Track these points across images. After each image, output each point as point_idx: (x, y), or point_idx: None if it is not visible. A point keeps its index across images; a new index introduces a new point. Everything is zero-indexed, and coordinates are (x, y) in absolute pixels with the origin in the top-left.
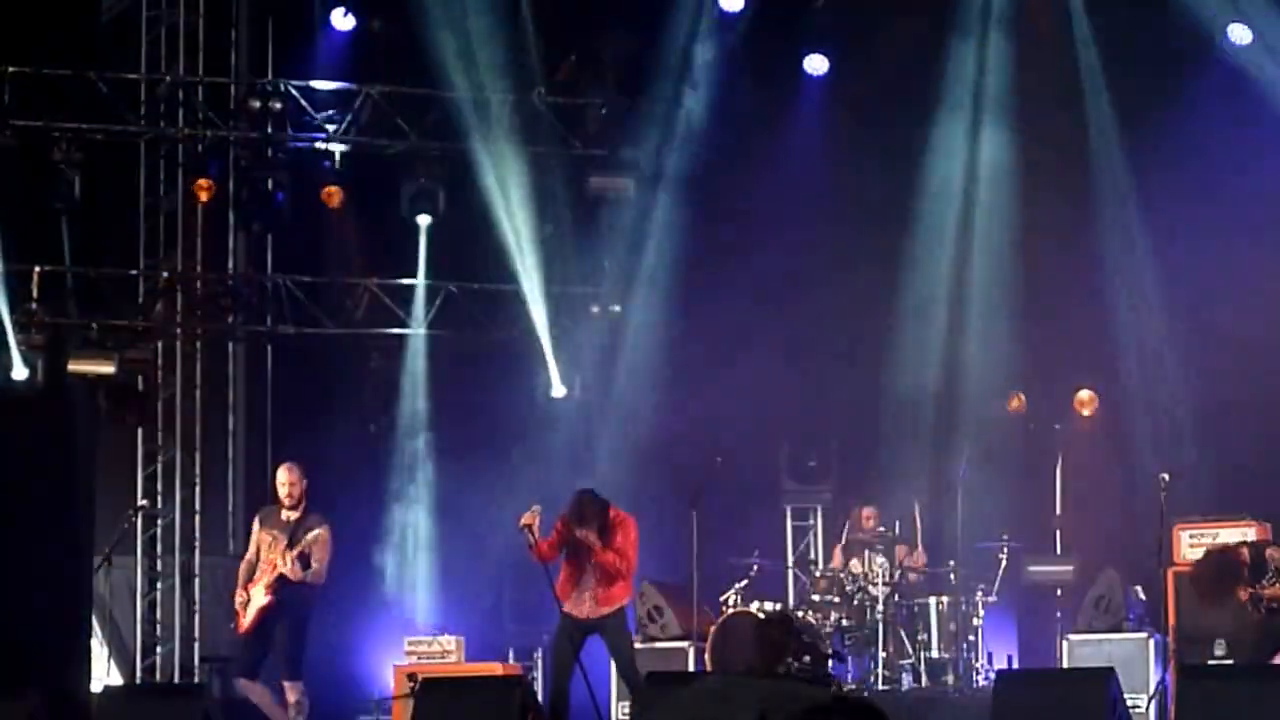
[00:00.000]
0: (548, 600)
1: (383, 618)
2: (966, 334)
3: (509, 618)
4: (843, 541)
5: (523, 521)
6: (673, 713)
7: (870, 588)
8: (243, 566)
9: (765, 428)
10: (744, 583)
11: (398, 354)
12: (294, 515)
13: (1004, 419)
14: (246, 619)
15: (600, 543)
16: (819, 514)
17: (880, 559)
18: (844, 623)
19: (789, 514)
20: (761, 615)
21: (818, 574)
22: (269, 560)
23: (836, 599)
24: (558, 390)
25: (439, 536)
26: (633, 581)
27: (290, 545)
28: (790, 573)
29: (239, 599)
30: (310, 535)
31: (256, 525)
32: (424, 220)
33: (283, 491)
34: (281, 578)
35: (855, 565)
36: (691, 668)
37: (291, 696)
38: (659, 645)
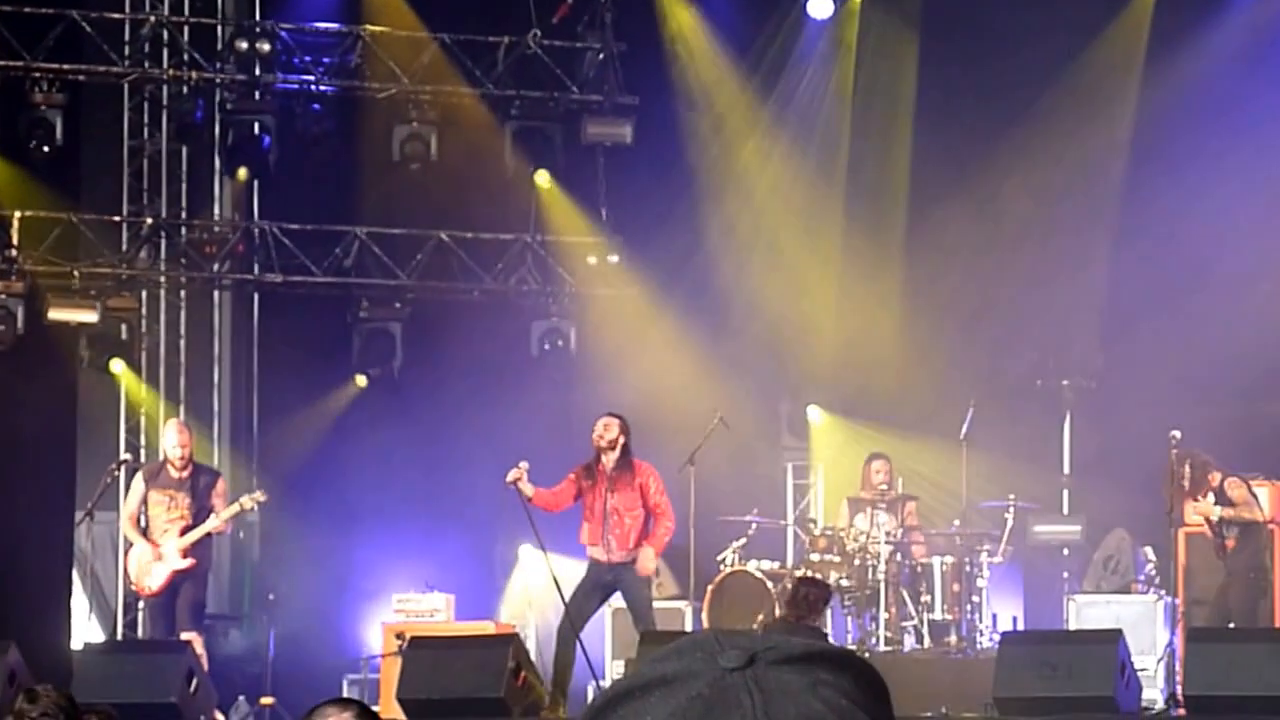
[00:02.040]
0: (550, 553)
1: (371, 574)
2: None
3: (501, 575)
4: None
5: (510, 478)
6: (662, 661)
7: (873, 547)
8: (128, 524)
9: (765, 381)
10: (741, 541)
11: (388, 304)
12: (185, 474)
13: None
14: (156, 581)
15: (642, 507)
16: (820, 472)
17: (885, 516)
18: (843, 582)
19: (789, 471)
20: (799, 576)
21: (817, 532)
22: (170, 519)
23: (836, 558)
24: (551, 342)
25: (429, 491)
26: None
27: (195, 500)
28: (790, 531)
29: (142, 557)
30: (221, 487)
31: (141, 484)
32: (413, 159)
33: (176, 453)
34: (200, 537)
35: (859, 523)
36: (689, 627)
37: (197, 648)
38: (656, 605)
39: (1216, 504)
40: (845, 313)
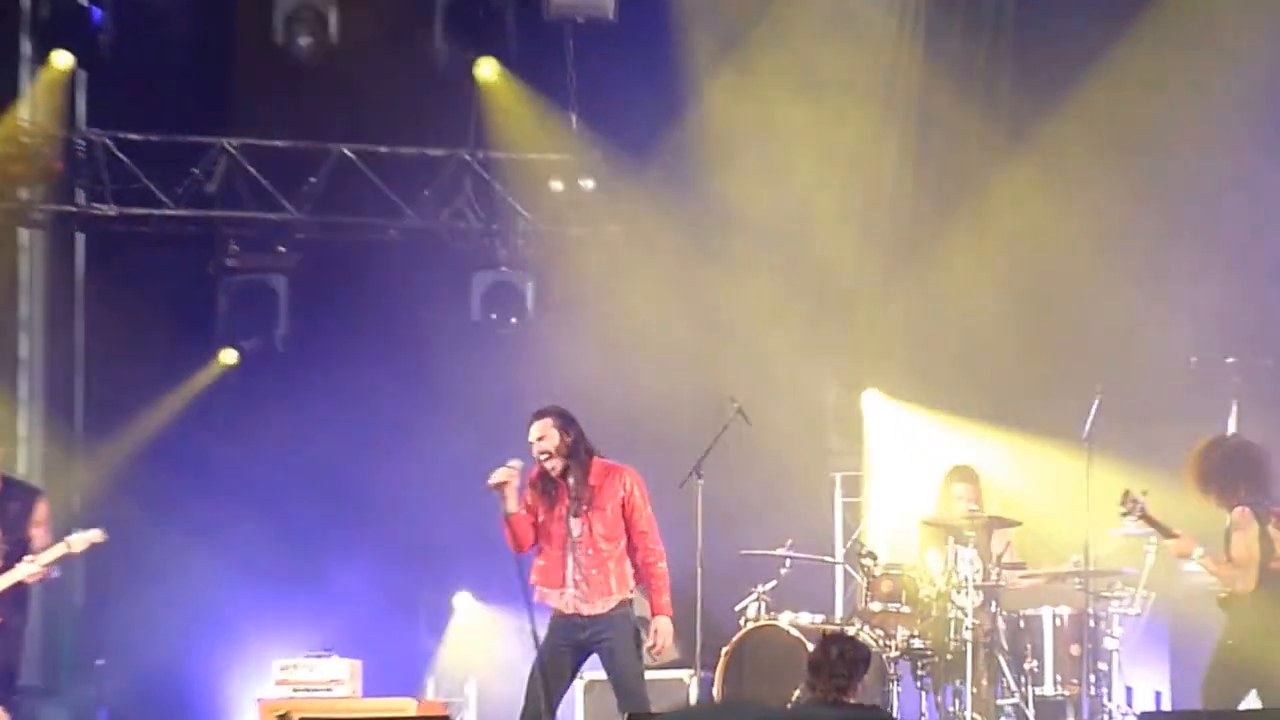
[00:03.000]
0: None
1: (244, 629)
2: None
3: (429, 633)
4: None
5: (493, 479)
6: None
7: (956, 593)
8: None
9: (805, 359)
10: (770, 585)
11: (268, 248)
12: None
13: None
14: None
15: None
16: (880, 487)
17: (972, 550)
18: (915, 643)
19: (838, 485)
20: (827, 631)
21: (878, 572)
22: None
23: (905, 608)
24: (500, 302)
25: (327, 513)
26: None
27: (9, 531)
28: (839, 570)
29: None
30: (41, 513)
31: None
32: (305, 47)
33: None
34: (10, 586)
35: (934, 559)
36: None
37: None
38: (649, 675)
39: None
40: (916, 263)
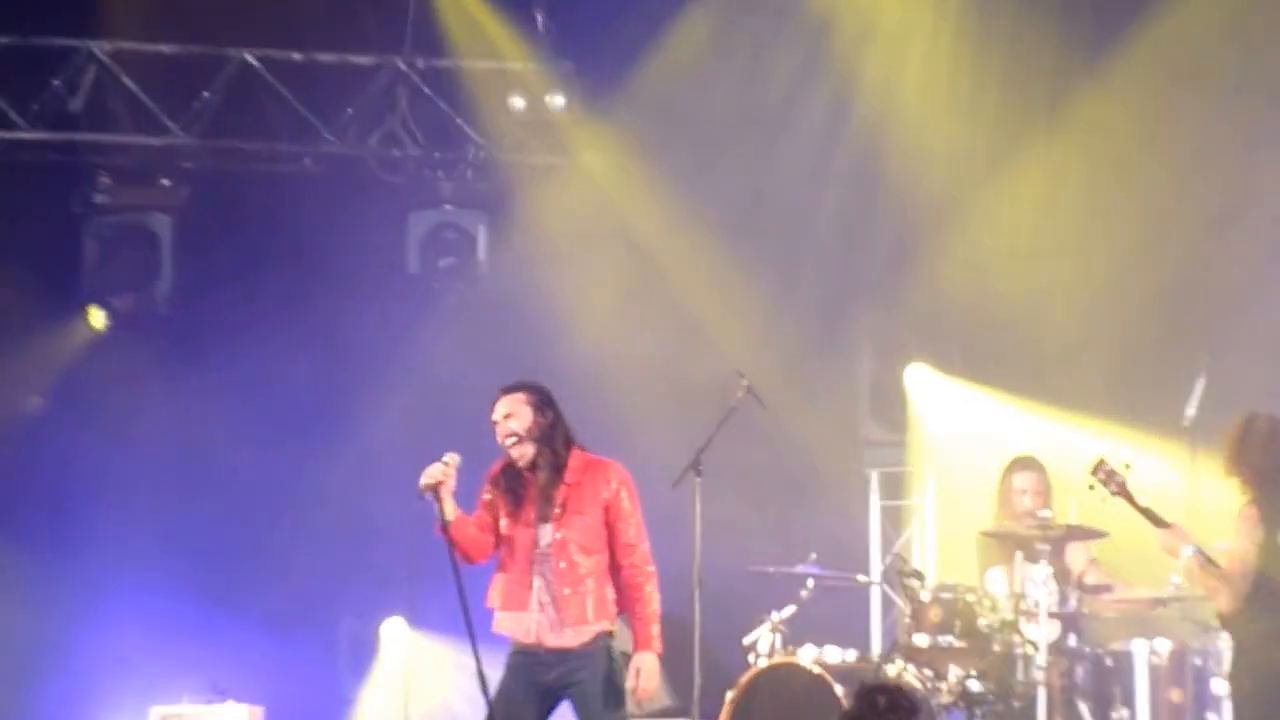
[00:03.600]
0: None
1: (115, 667)
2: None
3: (351, 673)
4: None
5: (425, 481)
6: None
7: (1025, 622)
8: None
9: (833, 324)
10: (787, 611)
11: (147, 181)
12: None
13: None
14: None
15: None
16: (929, 487)
17: (1043, 569)
18: (974, 685)
19: (874, 484)
20: (863, 675)
21: (925, 595)
22: None
23: (960, 642)
24: (444, 249)
25: (227, 515)
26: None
27: None
28: (875, 593)
29: None
30: None
31: None
32: None
33: None
34: None
35: (996, 580)
36: None
37: None
38: None
39: None
40: (976, 206)
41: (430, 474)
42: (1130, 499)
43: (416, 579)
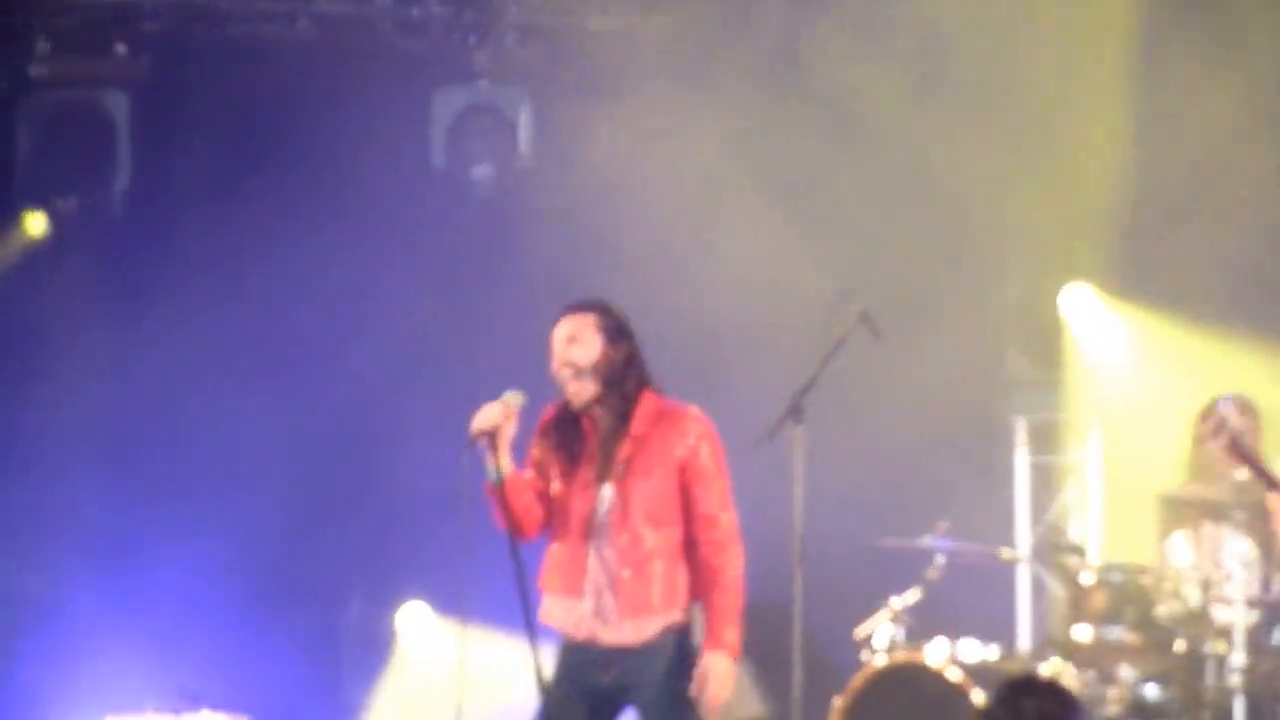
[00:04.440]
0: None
1: (57, 672)
2: None
3: (358, 668)
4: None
5: (477, 425)
6: None
7: (1217, 610)
8: None
9: (969, 236)
10: (911, 597)
11: (100, 46)
12: None
13: None
14: None
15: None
16: (1095, 440)
17: (1242, 542)
18: (1151, 691)
19: (1022, 435)
20: (1009, 674)
21: (1089, 577)
22: None
23: (1133, 636)
24: (477, 136)
25: (199, 470)
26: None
27: None
28: (1024, 573)
29: None
30: None
31: None
32: None
33: None
34: None
35: (1180, 554)
36: None
37: None
38: None
39: None
40: (1147, 86)
41: (485, 417)
42: (1245, 458)
43: (442, 554)
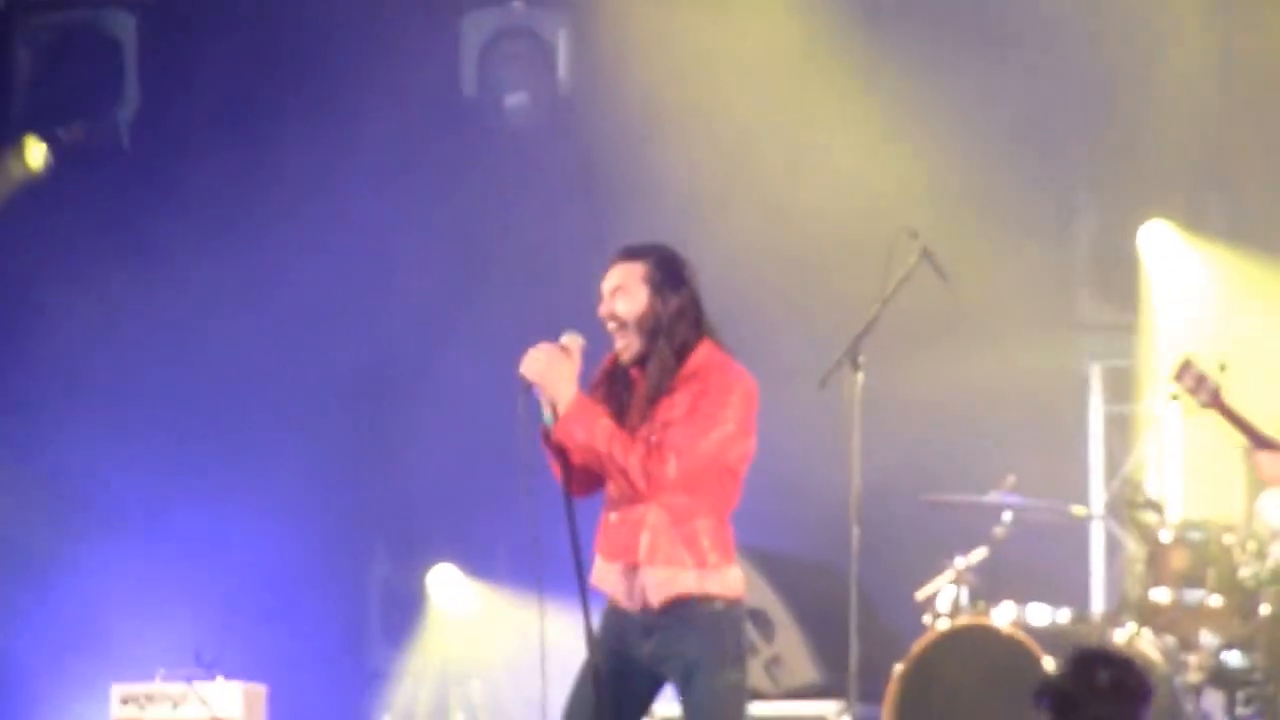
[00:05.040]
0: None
1: (65, 636)
2: None
3: (387, 633)
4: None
5: (530, 366)
6: None
7: None
8: None
9: (1039, 166)
10: (977, 555)
11: None
12: None
13: None
14: None
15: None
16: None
17: None
18: (1234, 658)
19: (1096, 382)
20: (1081, 643)
21: (1167, 535)
22: None
23: (1215, 598)
24: (513, 67)
25: (216, 425)
26: (730, 533)
27: None
28: (1097, 531)
29: None
30: None
31: None
32: None
33: None
34: None
35: (1271, 511)
36: None
37: None
38: (764, 711)
39: None
40: (1229, 21)
41: (541, 359)
42: (1226, 411)
43: (477, 510)
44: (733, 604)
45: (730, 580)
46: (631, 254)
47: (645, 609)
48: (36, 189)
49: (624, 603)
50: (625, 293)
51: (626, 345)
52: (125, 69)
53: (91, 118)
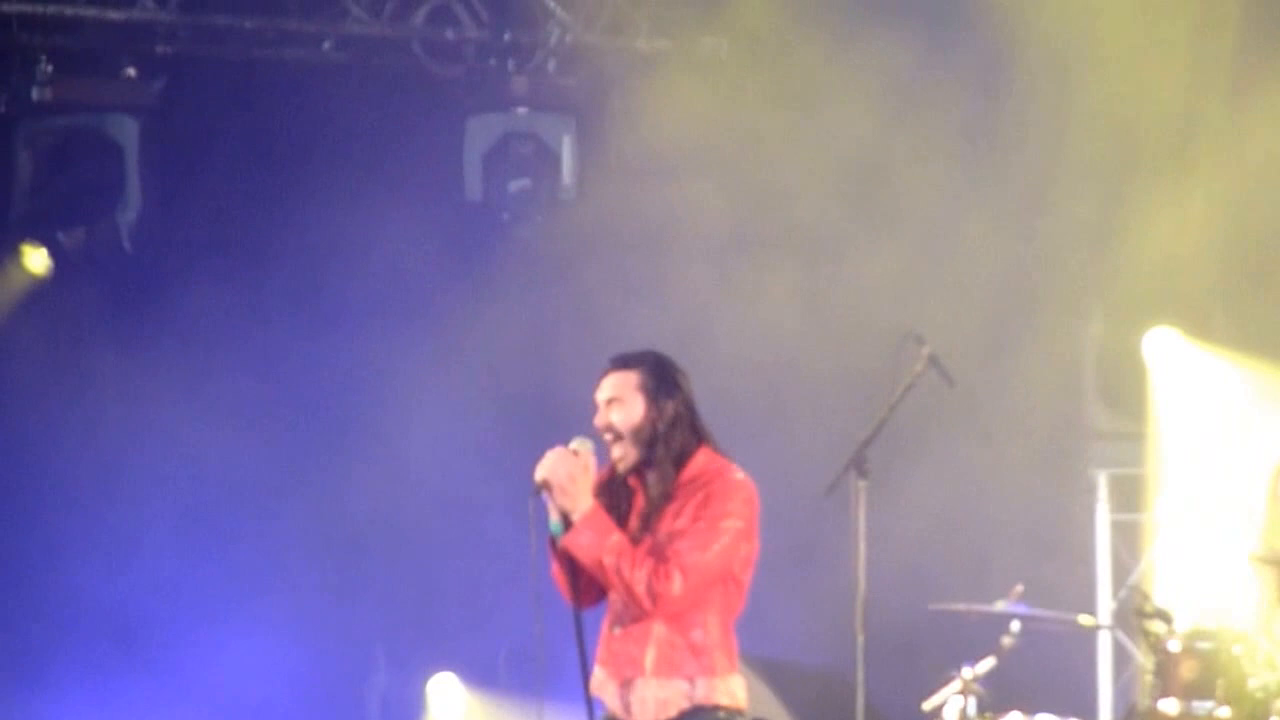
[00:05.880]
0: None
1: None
2: None
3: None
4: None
5: (544, 473)
6: None
7: None
8: None
9: (1048, 276)
10: (985, 666)
11: (109, 68)
12: None
13: None
14: None
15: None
16: (1179, 490)
17: None
18: None
19: (1103, 490)
20: None
21: (1176, 645)
22: None
23: (1225, 709)
24: (516, 166)
25: (211, 532)
26: (734, 640)
27: None
28: (1105, 641)
29: None
30: None
31: None
32: None
33: None
34: None
35: None
36: None
37: None
38: None
39: None
40: (1238, 117)
41: (552, 465)
42: None
43: (476, 617)
44: (735, 713)
45: (733, 688)
46: (624, 363)
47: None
48: (38, 292)
49: (624, 715)
50: (621, 403)
51: (623, 456)
52: (127, 173)
53: (92, 223)
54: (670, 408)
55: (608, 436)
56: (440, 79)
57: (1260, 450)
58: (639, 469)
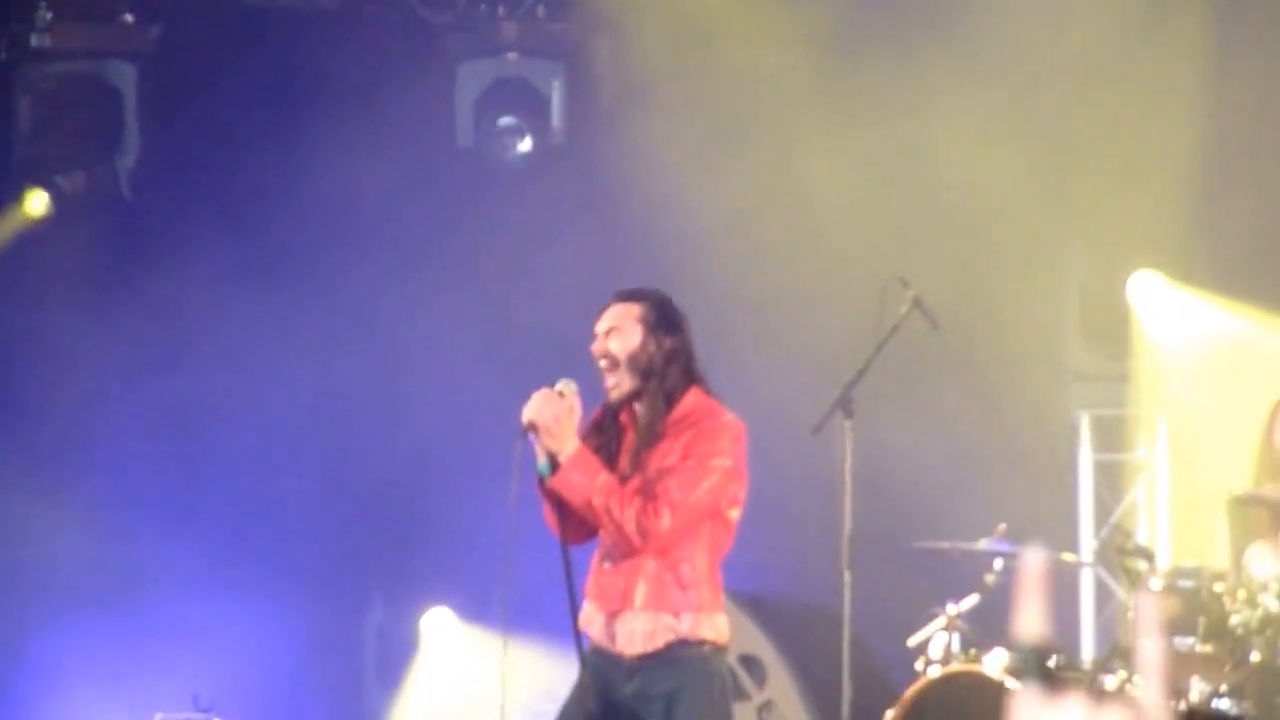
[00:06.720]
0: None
1: (55, 678)
2: None
3: (382, 676)
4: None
5: (531, 414)
6: None
7: None
8: None
9: (1032, 218)
10: (969, 603)
11: (106, 14)
12: None
13: None
14: None
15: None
16: (1161, 434)
17: None
18: (1225, 705)
19: (1085, 431)
20: (1072, 686)
21: (1157, 582)
22: None
23: (1205, 645)
24: (507, 112)
25: (211, 470)
26: (719, 579)
27: None
28: (1087, 578)
29: None
30: None
31: None
32: None
33: None
34: None
35: (1258, 560)
36: None
37: None
38: None
39: None
40: (1220, 72)
41: (539, 406)
42: None
43: (469, 555)
44: (719, 649)
45: (718, 625)
46: (627, 296)
47: (632, 652)
48: (37, 235)
49: (610, 646)
50: (618, 332)
51: (617, 384)
52: (125, 119)
53: (91, 167)
54: (668, 343)
55: (603, 363)
56: (432, 25)
57: (1242, 390)
58: (630, 400)
